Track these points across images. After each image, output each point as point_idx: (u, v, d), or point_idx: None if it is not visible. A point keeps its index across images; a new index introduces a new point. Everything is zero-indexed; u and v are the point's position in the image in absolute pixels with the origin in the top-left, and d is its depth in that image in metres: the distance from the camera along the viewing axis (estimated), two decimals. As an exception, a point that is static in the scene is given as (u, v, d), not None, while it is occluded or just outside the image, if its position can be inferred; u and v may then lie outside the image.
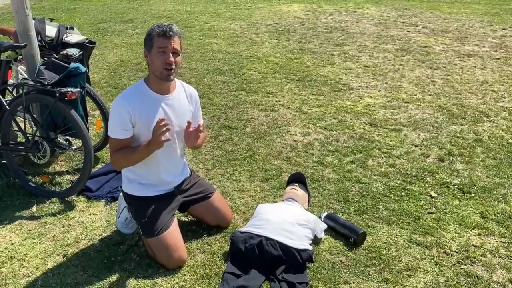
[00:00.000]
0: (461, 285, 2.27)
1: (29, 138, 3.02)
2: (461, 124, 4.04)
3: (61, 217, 2.80)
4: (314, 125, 4.01)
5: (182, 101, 2.43)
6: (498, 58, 5.84)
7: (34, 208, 2.88)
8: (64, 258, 2.46)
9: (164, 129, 2.16)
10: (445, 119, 4.14)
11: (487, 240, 2.60)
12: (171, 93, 2.39)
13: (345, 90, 4.78)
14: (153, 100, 2.34)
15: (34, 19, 3.22)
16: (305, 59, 5.77)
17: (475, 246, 2.55)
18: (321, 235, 2.57)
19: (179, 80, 2.49)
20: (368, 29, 7.29)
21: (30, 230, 2.68)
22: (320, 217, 2.69)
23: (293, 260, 2.32)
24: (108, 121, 2.34)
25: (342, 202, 2.93)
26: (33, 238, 2.62)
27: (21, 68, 3.47)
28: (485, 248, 2.53)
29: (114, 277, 2.31)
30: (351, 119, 4.13)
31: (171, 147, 2.42)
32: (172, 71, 2.27)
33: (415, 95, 4.67)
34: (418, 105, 4.43)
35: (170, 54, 2.23)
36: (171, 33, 2.23)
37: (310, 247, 2.43)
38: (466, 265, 2.40)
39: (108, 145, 3.07)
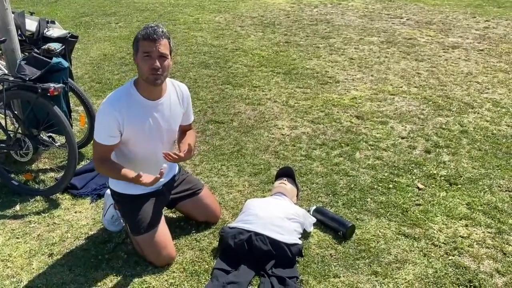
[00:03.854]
0: (450, 276, 2.29)
1: (11, 135, 2.95)
2: (446, 115, 4.07)
3: (45, 215, 2.74)
4: (301, 118, 4.00)
5: (173, 105, 2.35)
6: (482, 50, 5.90)
7: (17, 207, 2.82)
8: (50, 257, 2.41)
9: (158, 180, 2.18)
10: (431, 111, 4.16)
11: (474, 230, 2.63)
12: (162, 96, 2.29)
13: (332, 83, 4.78)
14: (142, 107, 2.24)
15: (13, 13, 3.13)
16: (291, 52, 5.74)
17: (462, 237, 2.57)
18: (310, 229, 2.57)
19: (170, 80, 2.38)
20: (353, 21, 7.30)
21: (14, 230, 2.62)
22: (309, 211, 2.68)
23: (283, 255, 2.31)
24: (95, 123, 2.27)
25: (331, 195, 2.93)
26: (17, 238, 2.56)
27: (1, 64, 3.38)
28: (472, 239, 2.56)
29: (101, 276, 2.28)
30: (337, 112, 4.13)
31: (160, 148, 2.35)
32: (159, 75, 2.15)
33: (401, 87, 4.69)
34: (404, 97, 4.45)
35: (156, 58, 2.11)
36: (155, 36, 2.08)
37: (300, 241, 2.42)
38: (454, 256, 2.43)
39: (92, 142, 3.01)
